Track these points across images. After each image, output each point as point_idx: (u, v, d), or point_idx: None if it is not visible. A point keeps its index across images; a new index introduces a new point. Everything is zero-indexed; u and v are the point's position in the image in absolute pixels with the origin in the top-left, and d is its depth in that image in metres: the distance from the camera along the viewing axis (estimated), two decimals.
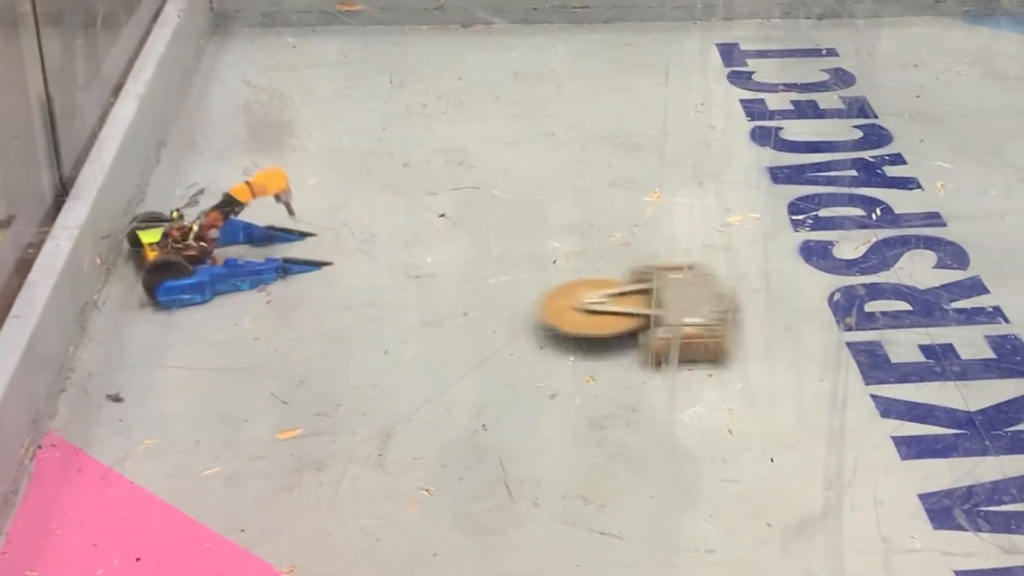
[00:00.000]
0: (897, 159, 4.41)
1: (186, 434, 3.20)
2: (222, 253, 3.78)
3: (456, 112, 4.71)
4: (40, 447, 3.14)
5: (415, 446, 3.17)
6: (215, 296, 3.67)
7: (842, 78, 4.96)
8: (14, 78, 3.57)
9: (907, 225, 4.03)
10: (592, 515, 2.97)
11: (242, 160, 4.24)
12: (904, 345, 3.51)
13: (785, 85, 4.91)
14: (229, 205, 3.80)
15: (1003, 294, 3.71)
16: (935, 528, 2.94)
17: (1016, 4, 5.46)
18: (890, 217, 4.08)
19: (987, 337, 3.54)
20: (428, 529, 2.94)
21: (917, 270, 3.82)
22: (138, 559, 2.85)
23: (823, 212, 4.10)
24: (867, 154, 4.44)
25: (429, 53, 5.13)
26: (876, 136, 4.55)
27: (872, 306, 3.67)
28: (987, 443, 3.17)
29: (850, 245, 3.93)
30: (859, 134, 4.57)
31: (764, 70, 5.01)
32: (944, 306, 3.67)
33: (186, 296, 3.64)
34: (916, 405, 3.30)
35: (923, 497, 3.02)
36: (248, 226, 3.88)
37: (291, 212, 3.87)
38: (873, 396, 3.33)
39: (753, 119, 4.67)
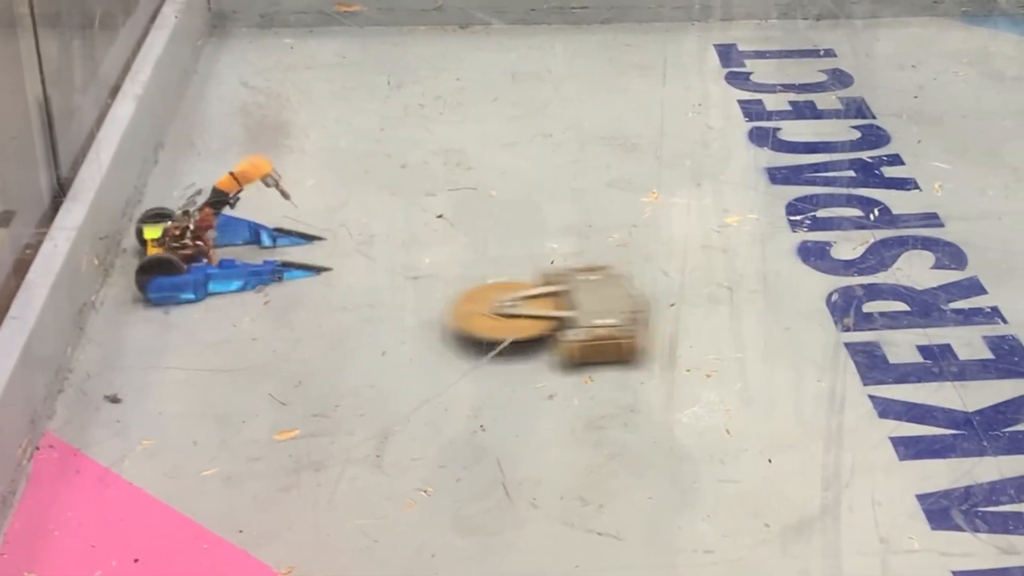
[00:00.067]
0: (895, 159, 4.41)
1: (184, 435, 3.20)
2: (227, 252, 3.79)
3: (454, 113, 4.71)
4: (38, 448, 3.13)
5: (413, 447, 3.17)
6: (208, 296, 3.67)
7: (840, 79, 4.96)
8: (12, 79, 3.57)
9: (905, 226, 4.04)
10: (590, 516, 2.97)
11: (239, 162, 4.24)
12: (902, 346, 3.51)
13: (783, 86, 4.91)
14: (218, 199, 3.81)
15: (1001, 294, 3.71)
16: (933, 528, 2.94)
17: (1014, 5, 5.46)
18: (888, 218, 4.08)
19: (985, 337, 3.54)
20: (426, 530, 2.94)
21: (915, 270, 3.82)
22: (136, 560, 2.85)
23: (821, 213, 4.10)
24: (865, 155, 4.44)
25: (427, 54, 5.13)
26: (874, 137, 4.56)
27: (870, 307, 3.67)
28: (985, 443, 3.17)
29: (848, 246, 3.93)
30: (857, 135, 4.58)
31: (762, 71, 5.01)
32: (942, 306, 3.67)
33: (177, 294, 3.64)
34: (914, 406, 3.30)
35: (921, 498, 3.02)
36: (256, 226, 3.88)
37: (285, 196, 3.86)
38: (871, 396, 3.33)
39: (751, 120, 4.67)
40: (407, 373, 3.42)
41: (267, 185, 3.84)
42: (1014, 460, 3.12)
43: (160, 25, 4.76)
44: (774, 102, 4.79)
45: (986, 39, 5.30)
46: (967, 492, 3.03)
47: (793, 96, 4.84)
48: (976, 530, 2.93)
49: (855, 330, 3.57)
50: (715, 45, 5.21)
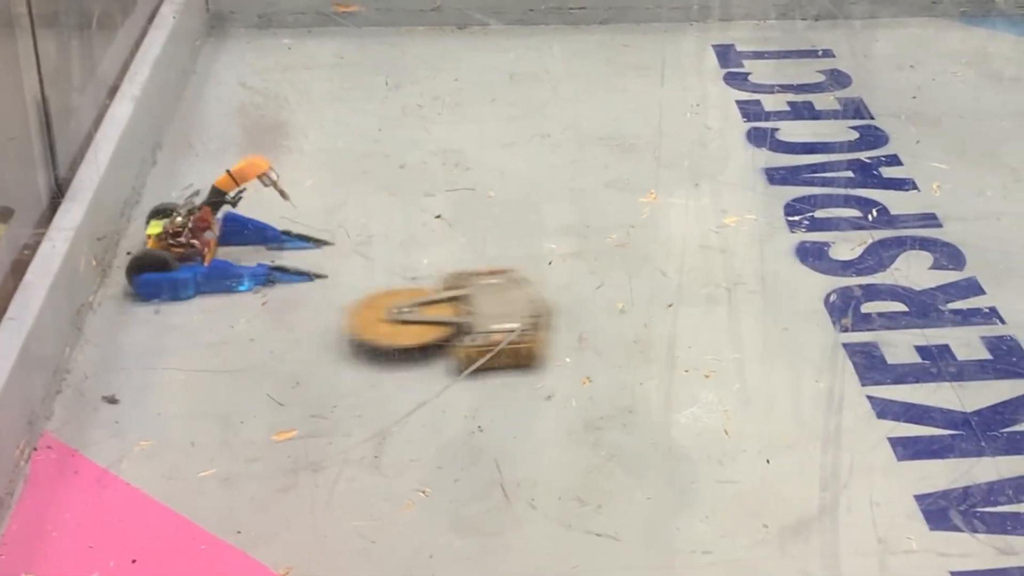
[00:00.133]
0: (893, 160, 4.41)
1: (182, 436, 3.20)
2: (233, 251, 3.80)
3: (452, 113, 4.71)
4: (36, 449, 3.13)
5: (411, 448, 3.17)
6: (196, 296, 3.67)
7: (838, 79, 4.96)
8: (10, 79, 3.57)
9: (903, 226, 4.04)
10: (588, 516, 2.97)
11: (237, 162, 4.24)
12: (900, 346, 3.51)
13: (781, 86, 4.91)
14: (217, 198, 3.81)
15: (999, 295, 3.72)
16: (931, 529, 2.94)
17: (1012, 5, 5.46)
18: (886, 218, 4.08)
19: (983, 338, 3.54)
20: (424, 531, 2.93)
21: (913, 271, 3.82)
22: (134, 561, 2.85)
23: (819, 213, 4.10)
24: (863, 155, 4.45)
25: (425, 54, 5.13)
26: (872, 137, 4.56)
27: (868, 307, 3.67)
28: (983, 444, 3.17)
29: (846, 246, 3.93)
30: (855, 135, 4.58)
31: (760, 71, 5.01)
32: (940, 307, 3.67)
33: (164, 291, 3.64)
34: (912, 406, 3.30)
35: (919, 498, 3.02)
36: (263, 227, 3.88)
37: (284, 196, 3.85)
38: (869, 397, 3.33)
39: (749, 120, 4.67)
40: (405, 374, 3.42)
41: (264, 184, 3.83)
42: (1012, 460, 3.13)
43: (158, 25, 4.76)
44: (772, 102, 4.79)
45: (984, 39, 5.30)
46: (965, 492, 3.03)
47: (791, 96, 4.84)
48: (974, 530, 2.93)
49: (853, 330, 3.57)
50: (713, 45, 5.21)
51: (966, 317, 3.63)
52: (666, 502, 3.03)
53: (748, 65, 5.06)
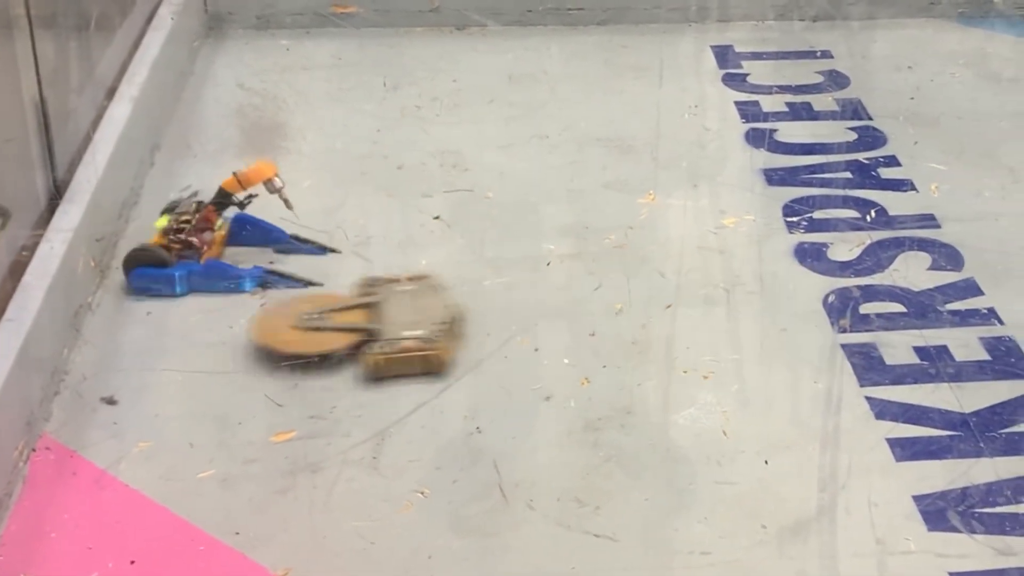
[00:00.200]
0: (891, 161, 4.41)
1: (180, 437, 3.20)
2: (239, 252, 3.81)
3: (450, 114, 4.71)
4: (34, 450, 3.13)
5: (410, 449, 3.17)
6: (188, 294, 3.67)
7: (836, 80, 4.96)
8: (8, 80, 3.57)
9: (901, 227, 4.04)
10: (587, 517, 2.97)
11: (236, 163, 4.23)
12: (898, 347, 3.51)
13: (779, 87, 4.91)
14: (221, 199, 3.83)
15: (997, 295, 3.72)
16: (929, 530, 2.94)
17: (1010, 6, 5.46)
18: (884, 219, 4.08)
19: (981, 339, 3.54)
20: (423, 532, 2.93)
21: (911, 272, 3.82)
22: (132, 562, 2.85)
23: (817, 214, 4.10)
24: (861, 156, 4.45)
25: (423, 55, 5.13)
26: (870, 138, 4.56)
27: (866, 308, 3.67)
28: (981, 445, 3.17)
29: (844, 247, 3.94)
30: (853, 136, 4.58)
31: (758, 72, 5.02)
32: (938, 308, 3.67)
33: (156, 286, 3.65)
34: (910, 407, 3.30)
35: (917, 499, 3.02)
36: (272, 230, 3.88)
37: (288, 206, 3.86)
38: (868, 398, 3.33)
39: (747, 121, 4.67)
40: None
41: (269, 191, 3.84)
42: (1010, 461, 3.13)
43: (156, 26, 4.76)
44: (771, 103, 4.79)
45: (982, 40, 5.30)
46: (963, 493, 3.03)
47: (790, 97, 4.84)
48: (972, 531, 2.93)
49: (852, 331, 3.57)
50: (712, 46, 5.21)
51: (964, 318, 3.63)
52: (664, 503, 3.02)
53: (746, 66, 5.06)
